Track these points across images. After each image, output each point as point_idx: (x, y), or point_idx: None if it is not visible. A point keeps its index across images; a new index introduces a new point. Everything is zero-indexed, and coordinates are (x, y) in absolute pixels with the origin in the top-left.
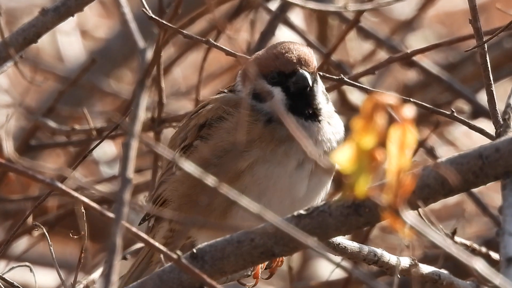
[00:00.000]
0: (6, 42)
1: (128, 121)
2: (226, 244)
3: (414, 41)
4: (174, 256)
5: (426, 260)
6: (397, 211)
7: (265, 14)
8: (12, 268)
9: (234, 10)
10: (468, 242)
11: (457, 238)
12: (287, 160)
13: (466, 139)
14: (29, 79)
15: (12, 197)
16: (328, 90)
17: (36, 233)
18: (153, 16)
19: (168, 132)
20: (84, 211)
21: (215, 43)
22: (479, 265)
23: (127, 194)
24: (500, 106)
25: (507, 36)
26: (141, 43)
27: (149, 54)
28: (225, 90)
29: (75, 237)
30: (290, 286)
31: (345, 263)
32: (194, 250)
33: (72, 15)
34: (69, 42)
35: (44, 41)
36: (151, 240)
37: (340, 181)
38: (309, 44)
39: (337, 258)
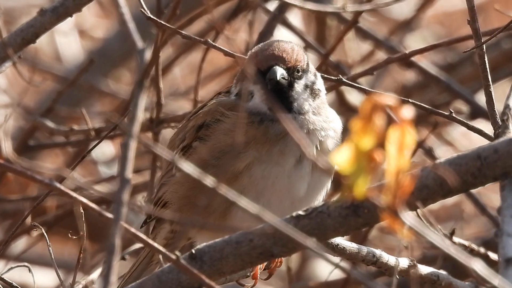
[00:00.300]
0: (4, 43)
1: (126, 122)
2: (224, 245)
3: (413, 42)
4: (173, 256)
5: (425, 260)
6: (395, 212)
7: (263, 15)
8: (11, 268)
9: (233, 11)
10: (466, 243)
11: (455, 239)
12: (283, 159)
13: (465, 140)
14: (28, 79)
15: (11, 197)
16: (327, 90)
17: (34, 233)
18: (152, 16)
19: (167, 133)
20: (82, 211)
21: (213, 43)
22: (478, 265)
23: (126, 195)
24: (498, 107)
25: (505, 37)
26: (139, 43)
27: (148, 55)
28: (223, 92)
29: (74, 237)
30: (288, 287)
31: (344, 264)
32: (193, 251)
33: (70, 16)
34: (67, 42)
35: (42, 41)
36: (150, 241)
37: (339, 181)
38: (308, 44)
39: (336, 259)
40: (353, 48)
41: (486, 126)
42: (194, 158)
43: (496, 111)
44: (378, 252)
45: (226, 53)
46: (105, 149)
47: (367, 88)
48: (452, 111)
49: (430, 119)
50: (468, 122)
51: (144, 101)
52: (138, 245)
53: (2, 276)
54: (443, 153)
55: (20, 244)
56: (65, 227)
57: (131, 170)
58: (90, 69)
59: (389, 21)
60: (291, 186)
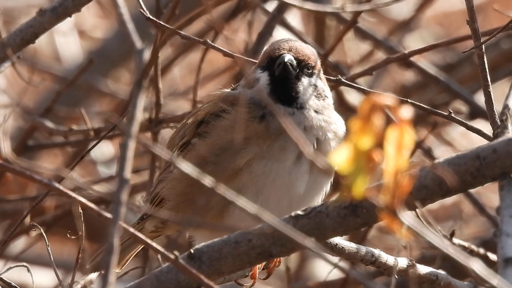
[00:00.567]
0: (3, 43)
1: (125, 122)
2: (223, 245)
3: (412, 42)
4: (172, 256)
5: (424, 260)
6: (394, 211)
7: (262, 15)
8: (10, 268)
9: (232, 11)
10: (465, 243)
11: (454, 239)
12: (284, 155)
13: (464, 140)
14: (27, 79)
15: (10, 197)
16: None
17: (33, 233)
18: (151, 16)
19: (166, 133)
20: (81, 211)
21: (212, 43)
22: (477, 265)
23: (125, 195)
24: (497, 107)
25: (504, 37)
26: (138, 43)
27: (147, 55)
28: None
29: (73, 237)
30: (287, 287)
31: (343, 264)
32: (192, 251)
33: (70, 16)
34: (66, 42)
35: (41, 41)
36: (148, 240)
37: (337, 181)
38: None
39: (335, 259)
40: (352, 48)
41: (485, 126)
42: (193, 155)
43: (495, 111)
44: (377, 252)
45: (225, 54)
46: (104, 149)
47: (366, 88)
48: (451, 111)
49: (429, 119)
50: (467, 122)
51: (143, 101)
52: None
53: (1, 276)
54: (442, 153)
55: (19, 244)
56: (64, 227)
57: (130, 170)
58: (89, 69)
59: (388, 21)
60: (291, 184)
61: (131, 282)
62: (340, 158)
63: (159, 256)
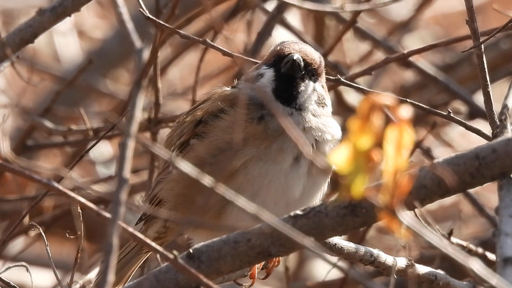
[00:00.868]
0: (3, 42)
1: (124, 121)
2: (222, 245)
3: (411, 42)
4: (171, 256)
5: (423, 260)
6: (393, 211)
7: (262, 15)
8: (9, 268)
9: (231, 11)
10: (464, 243)
11: (453, 239)
12: (282, 157)
13: (463, 140)
14: (26, 79)
15: (9, 197)
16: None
17: (32, 233)
18: (150, 16)
19: (165, 133)
20: (80, 211)
21: (212, 43)
22: (476, 265)
23: (124, 194)
24: (496, 107)
25: (504, 37)
26: (138, 43)
27: (146, 55)
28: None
29: (72, 237)
30: (286, 286)
31: (342, 264)
32: (191, 250)
33: (69, 15)
34: (66, 42)
35: (41, 41)
36: (148, 240)
37: (336, 181)
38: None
39: (334, 259)
40: (352, 48)
41: (484, 126)
42: (191, 155)
43: (494, 111)
44: (375, 251)
45: (225, 53)
46: (103, 149)
47: (365, 88)
48: (450, 111)
49: (428, 119)
50: (466, 122)
51: (142, 101)
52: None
53: (0, 276)
54: (441, 153)
55: (18, 244)
56: (63, 227)
57: (129, 170)
58: (88, 69)
59: (387, 21)
60: (287, 187)
61: (130, 282)
62: (339, 158)
63: (158, 255)
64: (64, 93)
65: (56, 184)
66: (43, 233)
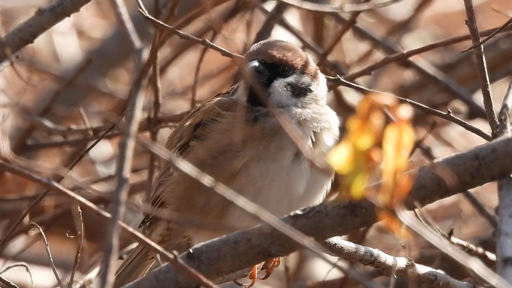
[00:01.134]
0: (2, 42)
1: (124, 121)
2: (222, 244)
3: (410, 42)
4: (171, 256)
5: (423, 260)
6: (393, 211)
7: (261, 15)
8: (9, 267)
9: (230, 11)
10: (464, 243)
11: (453, 239)
12: (281, 154)
13: (463, 139)
14: (25, 79)
15: (9, 196)
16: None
17: (32, 232)
18: (149, 16)
19: (165, 132)
20: (80, 211)
21: (211, 43)
22: (476, 265)
23: (124, 194)
24: (496, 107)
25: (503, 37)
26: (137, 43)
27: (145, 54)
28: (222, 93)
29: (72, 236)
30: (286, 286)
31: (342, 264)
32: (191, 250)
33: (68, 15)
34: (65, 42)
35: (40, 41)
36: (148, 240)
37: (336, 181)
38: (305, 44)
39: (334, 259)
40: (351, 48)
41: (484, 126)
42: (191, 157)
43: (494, 111)
44: (375, 251)
45: (224, 53)
46: (103, 149)
47: (365, 88)
48: (450, 111)
49: (428, 119)
50: (466, 122)
51: (142, 100)
52: (135, 245)
53: (0, 276)
54: (441, 153)
55: (18, 244)
56: (63, 227)
57: (129, 170)
58: (88, 69)
59: (387, 21)
60: (290, 184)
61: (130, 282)
62: (339, 157)
63: (158, 255)
64: (63, 93)
65: (56, 184)
66: (43, 233)
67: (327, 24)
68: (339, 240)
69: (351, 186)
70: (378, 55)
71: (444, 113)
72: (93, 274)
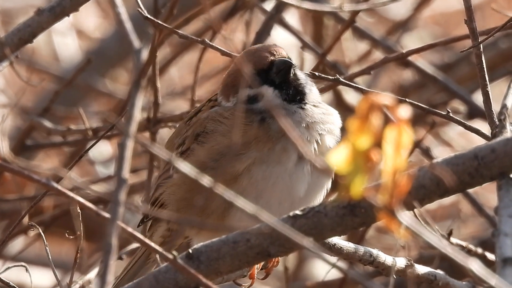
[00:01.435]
0: (1, 42)
1: (123, 121)
2: (221, 245)
3: (410, 41)
4: (170, 256)
5: (422, 260)
6: (392, 211)
7: (260, 14)
8: (8, 268)
9: (230, 10)
10: (463, 243)
11: (452, 239)
12: (286, 157)
13: (462, 139)
14: (25, 79)
15: (8, 197)
16: (324, 90)
17: (32, 233)
18: (149, 16)
19: (164, 132)
20: (79, 211)
21: (210, 43)
22: (475, 265)
23: (123, 194)
24: (495, 107)
25: (502, 36)
26: (136, 43)
27: (145, 54)
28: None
29: (71, 237)
30: (286, 287)
31: (341, 264)
32: (190, 251)
33: (68, 15)
34: (64, 42)
35: (39, 41)
36: (147, 240)
37: (336, 181)
38: (305, 44)
39: (333, 259)
40: (350, 48)
41: (483, 125)
42: (192, 160)
43: (493, 110)
44: (375, 251)
45: (223, 53)
46: (102, 149)
47: (364, 88)
48: (449, 110)
49: (427, 119)
50: (465, 122)
51: (141, 100)
52: (135, 245)
53: (0, 276)
54: (440, 153)
55: (17, 244)
56: (62, 227)
57: (128, 170)
58: (87, 69)
59: (386, 21)
60: (292, 186)
61: (130, 282)
62: (338, 157)
63: (157, 256)
64: (63, 93)
65: (55, 184)
66: (42, 233)
67: (327, 24)
68: (338, 240)
69: (350, 186)
70: (378, 55)
71: (443, 113)
72: (92, 274)
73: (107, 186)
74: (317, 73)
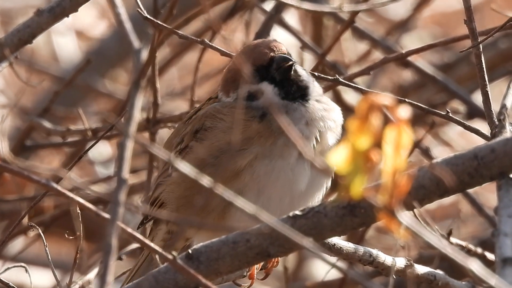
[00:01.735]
0: (1, 43)
1: (123, 122)
2: (221, 245)
3: (409, 42)
4: (170, 256)
5: (422, 260)
6: (392, 211)
7: (260, 15)
8: (8, 268)
9: (229, 11)
10: (463, 243)
11: (452, 239)
12: (288, 151)
13: (462, 139)
14: (24, 79)
15: (8, 197)
16: (323, 90)
17: (31, 233)
18: (148, 16)
19: (164, 133)
20: (79, 211)
21: (210, 43)
22: (475, 265)
23: (123, 195)
24: (495, 107)
25: (502, 36)
26: (136, 43)
27: (144, 55)
28: (213, 97)
29: (71, 237)
30: (285, 287)
31: (341, 264)
32: (190, 251)
33: (67, 16)
34: (64, 42)
35: (39, 41)
36: (147, 241)
37: (335, 181)
38: (304, 44)
39: (333, 259)
40: (350, 48)
41: (483, 125)
42: (191, 157)
43: (493, 110)
44: (374, 252)
45: (223, 53)
46: (102, 149)
47: (363, 88)
48: (449, 110)
49: (427, 119)
50: (465, 122)
51: (140, 101)
52: (134, 246)
53: None
54: (440, 153)
55: (17, 244)
56: (62, 227)
57: (128, 170)
58: (87, 69)
59: (385, 21)
60: (294, 180)
61: (130, 283)
62: (338, 158)
63: (157, 256)
64: (62, 93)
65: (55, 185)
66: (42, 234)
67: (326, 24)
68: (338, 241)
69: (350, 186)
70: (377, 55)
71: (443, 113)
72: (92, 274)
73: (107, 187)
74: (316, 73)
